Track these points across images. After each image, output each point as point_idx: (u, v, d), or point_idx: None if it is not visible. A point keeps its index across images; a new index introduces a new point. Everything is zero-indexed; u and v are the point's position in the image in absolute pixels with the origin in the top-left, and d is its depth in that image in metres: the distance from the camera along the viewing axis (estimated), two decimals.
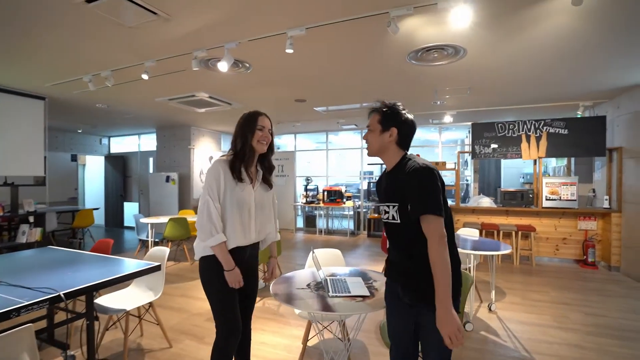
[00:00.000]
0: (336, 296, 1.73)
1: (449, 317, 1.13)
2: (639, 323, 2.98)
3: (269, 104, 5.31)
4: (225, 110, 5.73)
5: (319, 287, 1.90)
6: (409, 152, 1.40)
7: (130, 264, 2.16)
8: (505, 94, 4.63)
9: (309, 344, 2.58)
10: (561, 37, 2.84)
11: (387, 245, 1.53)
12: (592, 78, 3.96)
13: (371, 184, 8.01)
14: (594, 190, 5.42)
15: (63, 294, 1.56)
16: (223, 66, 2.86)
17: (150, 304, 2.42)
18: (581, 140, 4.88)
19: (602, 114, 5.12)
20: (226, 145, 8.62)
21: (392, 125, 1.34)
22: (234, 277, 1.58)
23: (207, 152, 7.79)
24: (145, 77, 3.31)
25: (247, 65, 3.51)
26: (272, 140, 1.69)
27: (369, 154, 1.43)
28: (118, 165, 8.77)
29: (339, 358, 2.14)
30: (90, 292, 1.79)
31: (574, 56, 3.27)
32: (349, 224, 8.21)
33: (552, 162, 6.98)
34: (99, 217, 8.25)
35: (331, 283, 1.91)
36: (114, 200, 8.84)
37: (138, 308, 2.45)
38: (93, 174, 9.04)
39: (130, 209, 8.71)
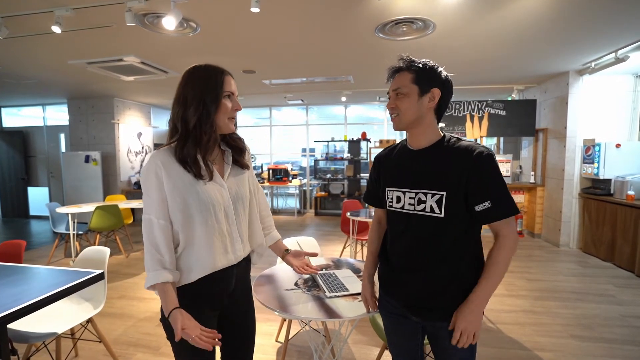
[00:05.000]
0: (335, 296, 1.54)
1: (478, 317, 1.02)
2: (567, 284, 3.40)
3: None
4: (159, 80, 4.93)
5: (309, 285, 1.68)
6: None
7: (58, 275, 1.64)
8: (457, 74, 4.76)
9: (282, 339, 2.39)
10: (525, 22, 2.89)
11: (374, 242, 1.29)
12: (533, 63, 4.23)
13: (318, 161, 7.90)
14: (520, 167, 6.03)
15: None
16: (169, 22, 2.31)
17: (89, 320, 1.96)
18: (516, 121, 5.32)
19: (530, 97, 5.63)
20: (158, 120, 7.56)
21: (433, 85, 1.05)
22: (175, 323, 0.99)
23: (136, 128, 6.77)
24: (57, 30, 2.56)
25: (194, 25, 2.95)
26: None
27: (398, 128, 1.10)
28: (16, 142, 7.18)
29: (322, 354, 1.99)
30: (2, 325, 1.26)
31: (529, 41, 3.39)
32: (295, 203, 8.05)
33: (483, 140, 7.60)
34: None
35: (322, 279, 1.71)
36: (14, 185, 7.30)
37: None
38: None
39: (38, 195, 7.30)
